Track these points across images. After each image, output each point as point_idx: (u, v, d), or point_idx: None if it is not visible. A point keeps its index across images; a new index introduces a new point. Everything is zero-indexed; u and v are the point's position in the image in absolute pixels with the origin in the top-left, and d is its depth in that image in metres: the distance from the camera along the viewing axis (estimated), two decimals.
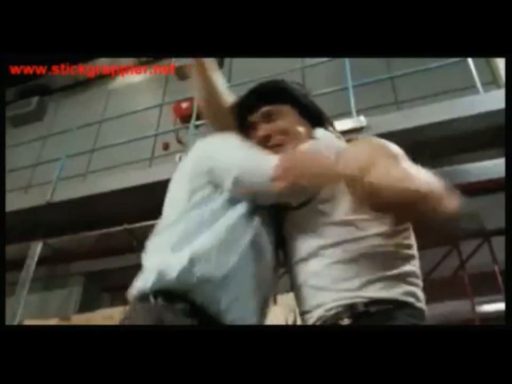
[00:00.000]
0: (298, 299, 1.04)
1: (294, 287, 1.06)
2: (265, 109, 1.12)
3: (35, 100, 7.31)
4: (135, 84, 6.94)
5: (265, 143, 1.09)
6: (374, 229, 0.97)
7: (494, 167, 3.54)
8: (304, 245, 1.02)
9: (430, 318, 0.96)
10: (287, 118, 1.12)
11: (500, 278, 4.12)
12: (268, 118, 1.12)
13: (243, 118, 1.15)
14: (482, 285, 4.36)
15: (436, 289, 4.25)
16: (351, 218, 0.98)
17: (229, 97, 1.20)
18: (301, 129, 1.12)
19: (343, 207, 0.99)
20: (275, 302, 3.94)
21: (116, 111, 5.99)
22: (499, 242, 4.09)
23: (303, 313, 1.01)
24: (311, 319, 0.97)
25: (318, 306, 0.95)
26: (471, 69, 3.84)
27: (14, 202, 4.53)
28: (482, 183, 3.66)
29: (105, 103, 6.86)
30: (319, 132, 1.13)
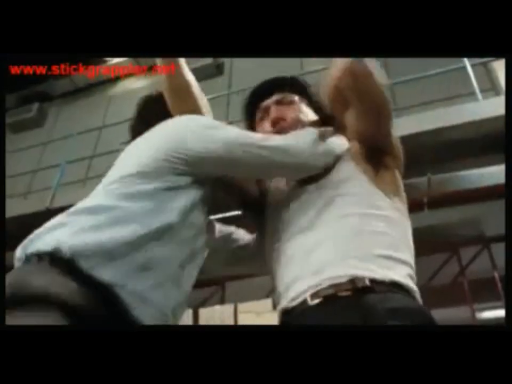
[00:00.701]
0: (284, 273, 0.97)
1: (277, 262, 1.01)
2: (279, 95, 1.17)
3: (35, 106, 7.33)
4: (136, 90, 6.95)
5: (276, 124, 1.12)
6: (387, 211, 0.97)
7: (494, 173, 3.55)
8: (304, 217, 1.00)
9: None
10: (300, 107, 1.17)
11: (499, 284, 4.12)
12: (281, 103, 1.16)
13: (255, 106, 1.19)
14: (482, 291, 4.36)
15: (435, 296, 4.25)
16: (365, 192, 0.99)
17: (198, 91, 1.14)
18: (311, 118, 1.16)
19: (356, 185, 1.00)
20: (274, 308, 3.92)
21: (116, 117, 6.00)
22: (499, 249, 4.10)
23: (287, 287, 0.94)
24: (296, 291, 0.91)
25: (314, 273, 0.90)
26: (470, 76, 3.85)
27: (13, 208, 4.53)
28: (482, 189, 3.66)
29: (105, 110, 6.89)
30: None
